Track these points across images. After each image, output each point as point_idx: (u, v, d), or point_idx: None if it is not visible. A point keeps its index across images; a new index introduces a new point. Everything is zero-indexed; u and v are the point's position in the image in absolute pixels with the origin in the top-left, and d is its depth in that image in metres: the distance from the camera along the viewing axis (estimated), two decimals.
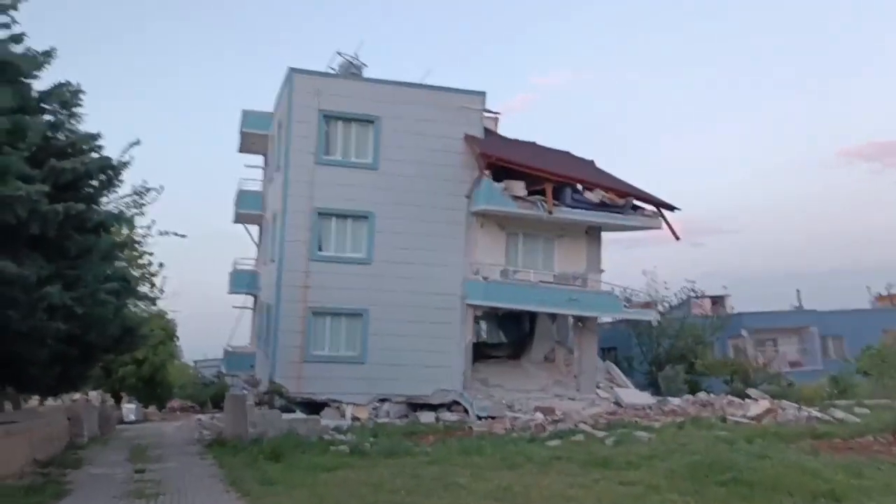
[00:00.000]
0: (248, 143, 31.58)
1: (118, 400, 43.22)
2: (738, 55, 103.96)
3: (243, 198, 30.59)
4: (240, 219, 31.73)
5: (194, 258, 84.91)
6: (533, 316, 28.45)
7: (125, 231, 22.26)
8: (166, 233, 22.01)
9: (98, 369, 39.87)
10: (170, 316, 43.15)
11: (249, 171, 33.33)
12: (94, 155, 12.48)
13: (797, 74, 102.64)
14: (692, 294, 36.19)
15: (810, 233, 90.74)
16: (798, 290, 44.03)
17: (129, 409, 41.59)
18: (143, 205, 18.35)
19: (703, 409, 23.68)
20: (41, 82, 11.74)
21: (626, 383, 27.95)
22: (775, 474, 10.97)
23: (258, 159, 32.98)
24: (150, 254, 30.38)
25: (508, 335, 31.49)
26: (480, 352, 27.56)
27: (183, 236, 22.88)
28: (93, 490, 12.41)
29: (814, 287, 79.40)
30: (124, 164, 12.96)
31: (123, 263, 20.10)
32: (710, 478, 11.13)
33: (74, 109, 12.07)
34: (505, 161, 25.26)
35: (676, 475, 11.60)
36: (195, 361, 65.68)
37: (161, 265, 31.62)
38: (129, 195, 18.12)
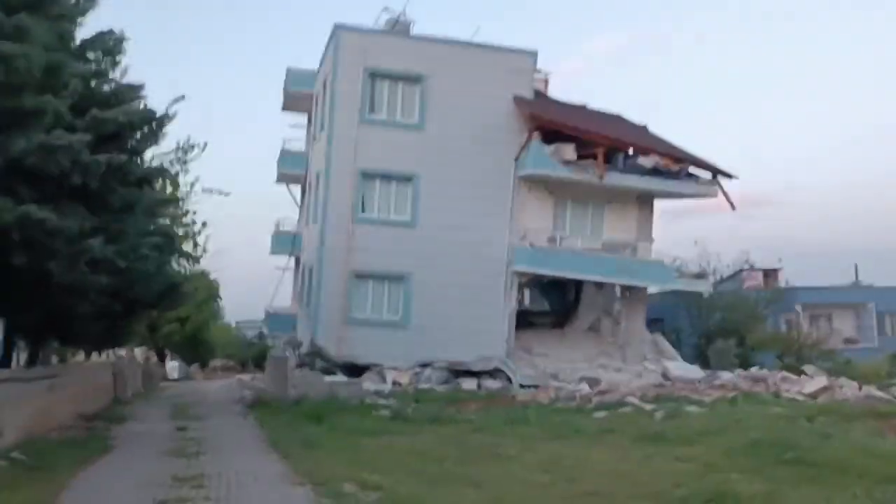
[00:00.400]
0: (293, 102, 31.22)
1: (162, 357, 43.91)
2: (799, 23, 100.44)
3: (286, 157, 30.29)
4: (282, 179, 31.48)
5: (238, 218, 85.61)
6: (578, 284, 27.80)
7: (169, 188, 22.20)
8: (210, 190, 21.87)
9: (143, 327, 40.59)
10: (213, 276, 43.54)
11: (293, 130, 33.03)
12: (138, 106, 12.18)
13: (862, 46, 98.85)
14: (746, 266, 35.05)
15: (867, 208, 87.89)
16: (856, 265, 42.49)
17: (173, 366, 42.24)
18: (187, 161, 18.19)
19: (756, 385, 22.82)
20: (84, 30, 11.46)
21: (674, 356, 27.23)
22: (842, 456, 10.30)
23: (302, 118, 32.62)
24: (194, 212, 30.36)
25: (553, 303, 30.89)
26: (524, 320, 27.03)
27: (227, 194, 22.82)
28: (135, 446, 12.31)
29: (870, 263, 76.94)
30: (168, 117, 12.65)
31: (167, 220, 19.99)
32: (772, 457, 10.53)
33: (118, 58, 11.76)
34: (555, 123, 24.48)
35: (735, 453, 11.00)
36: (237, 322, 66.75)
37: (204, 224, 31.63)
38: (174, 151, 17.97)
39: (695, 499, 8.02)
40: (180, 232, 28.84)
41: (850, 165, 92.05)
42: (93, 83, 11.32)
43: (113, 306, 13.36)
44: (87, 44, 11.20)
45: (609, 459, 10.96)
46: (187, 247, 28.14)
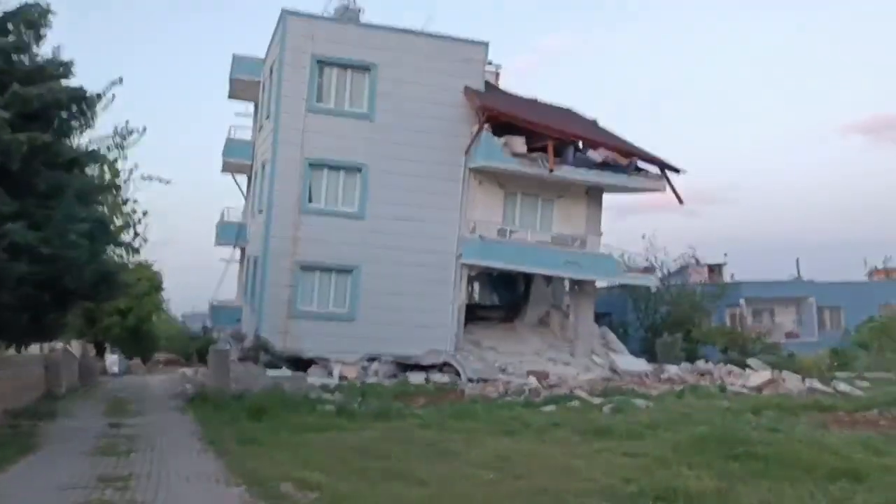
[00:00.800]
0: (239, 90, 30.39)
1: (102, 351, 42.42)
2: (739, 25, 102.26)
3: (231, 146, 29.49)
4: (228, 168, 30.66)
5: (184, 208, 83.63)
6: (528, 278, 27.69)
7: (108, 174, 21.27)
8: (149, 178, 20.94)
9: (80, 319, 39.11)
10: (155, 267, 42.30)
11: (239, 119, 32.17)
12: (66, 84, 11.42)
13: (800, 46, 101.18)
14: (693, 261, 35.40)
15: (807, 205, 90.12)
16: (797, 260, 43.36)
17: (113, 360, 40.77)
18: (126, 147, 17.38)
19: (702, 378, 23.11)
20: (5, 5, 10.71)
21: (621, 349, 27.35)
22: (790, 450, 10.25)
23: (249, 107, 31.81)
24: (135, 201, 29.32)
25: (502, 297, 30.77)
26: (473, 313, 26.82)
27: (167, 182, 21.89)
28: (62, 445, 11.64)
29: (810, 260, 78.86)
30: (100, 96, 11.91)
31: (103, 207, 19.12)
32: (721, 451, 10.42)
33: (42, 31, 10.98)
34: (506, 116, 24.25)
35: (684, 447, 10.88)
36: (183, 314, 65.05)
37: (145, 213, 30.58)
38: (110, 136, 17.13)
39: (645, 495, 7.82)
40: (120, 221, 27.87)
41: (791, 164, 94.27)
42: (14, 58, 10.57)
43: (40, 297, 12.61)
44: (8, 16, 10.44)
45: (557, 455, 10.74)
46: (127, 236, 27.10)
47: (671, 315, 31.23)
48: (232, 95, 31.14)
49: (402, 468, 9.46)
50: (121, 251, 20.63)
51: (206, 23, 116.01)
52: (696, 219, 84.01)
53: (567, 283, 27.86)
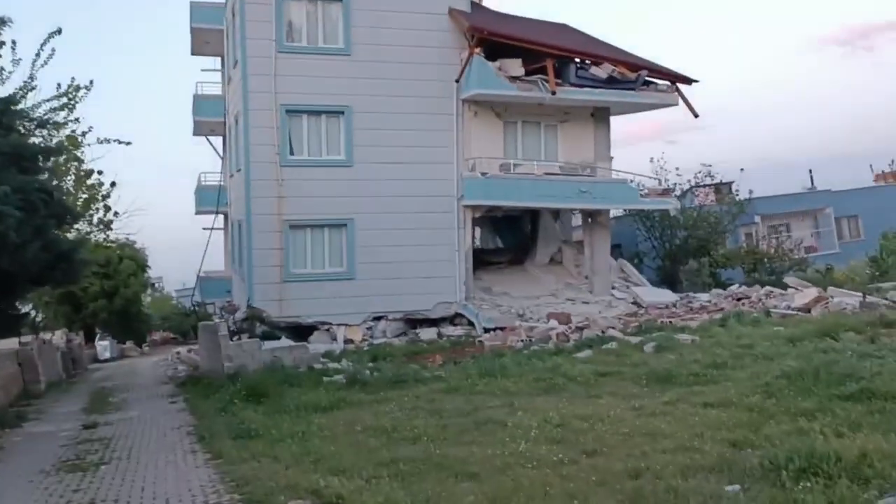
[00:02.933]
0: (201, 43, 27.88)
1: (91, 337, 40.33)
2: None
3: (200, 104, 27.14)
4: (200, 129, 28.34)
5: (168, 178, 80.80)
6: (534, 215, 25.58)
7: (61, 139, 18.82)
8: (107, 140, 18.45)
9: (65, 306, 37.02)
10: (139, 244, 40.04)
11: (206, 75, 29.65)
12: None
13: None
14: (708, 180, 33.12)
15: (790, 122, 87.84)
16: (810, 171, 41.25)
17: (104, 346, 38.70)
18: (72, 105, 15.08)
19: (738, 303, 21.17)
20: None
21: (642, 282, 25.41)
22: None
23: (215, 62, 29.25)
24: (99, 171, 26.72)
25: (507, 240, 28.67)
26: (479, 259, 24.72)
27: (127, 143, 19.38)
28: (19, 461, 9.59)
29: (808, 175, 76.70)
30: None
31: (62, 180, 16.80)
32: (828, 391, 8.46)
33: None
34: (498, 36, 21.77)
35: (777, 390, 8.91)
36: (176, 290, 62.94)
37: (113, 184, 28.06)
38: (56, 97, 14.84)
39: (780, 467, 5.75)
40: (86, 195, 25.46)
41: (769, 84, 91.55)
42: None
43: None
44: None
45: (625, 415, 8.75)
46: (96, 211, 24.71)
47: (691, 239, 29.09)
48: (195, 50, 28.63)
49: (440, 455, 7.45)
50: (86, 227, 18.43)
51: None
52: (675, 147, 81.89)
53: (578, 216, 25.77)
